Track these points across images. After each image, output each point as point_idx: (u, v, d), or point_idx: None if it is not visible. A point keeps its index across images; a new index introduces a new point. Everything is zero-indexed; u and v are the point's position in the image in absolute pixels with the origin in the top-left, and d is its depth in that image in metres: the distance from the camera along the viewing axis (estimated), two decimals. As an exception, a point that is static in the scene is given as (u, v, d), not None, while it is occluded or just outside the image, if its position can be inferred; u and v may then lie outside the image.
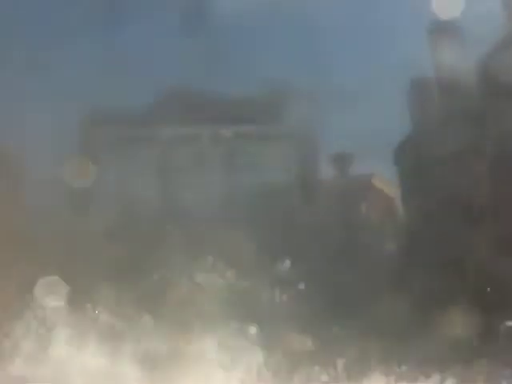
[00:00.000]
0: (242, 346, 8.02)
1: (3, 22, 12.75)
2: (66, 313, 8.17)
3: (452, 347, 8.49)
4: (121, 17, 13.99)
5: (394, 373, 7.91)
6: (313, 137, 12.98)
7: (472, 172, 11.37)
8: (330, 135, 13.62)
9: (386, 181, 20.25)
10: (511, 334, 9.53)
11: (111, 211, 12.16)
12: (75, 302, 8.53)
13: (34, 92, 12.56)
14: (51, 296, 8.37)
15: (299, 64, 13.26)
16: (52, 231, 10.91)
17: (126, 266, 10.67)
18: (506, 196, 11.07)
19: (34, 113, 12.05)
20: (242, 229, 11.44)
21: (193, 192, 12.83)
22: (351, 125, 12.85)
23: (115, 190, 12.72)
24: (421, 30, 12.98)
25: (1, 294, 8.99)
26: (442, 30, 12.53)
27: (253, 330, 8.92)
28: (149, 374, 7.12)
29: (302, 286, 11.10)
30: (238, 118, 12.67)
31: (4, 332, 8.01)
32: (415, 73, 13.28)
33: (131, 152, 13.16)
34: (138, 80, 13.12)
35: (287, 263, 11.43)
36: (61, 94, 12.67)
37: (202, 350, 7.71)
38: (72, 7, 13.91)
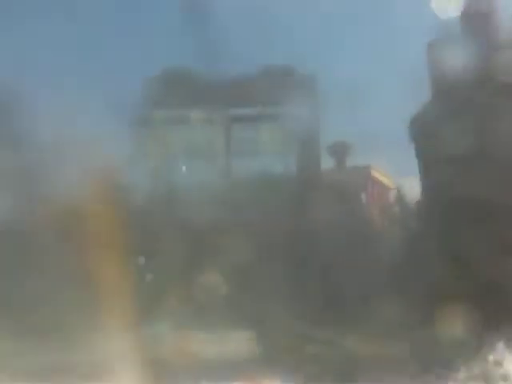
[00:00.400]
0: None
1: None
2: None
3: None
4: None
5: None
6: (312, 124, 12.26)
7: (484, 171, 10.80)
8: (329, 125, 12.86)
9: (385, 172, 20.00)
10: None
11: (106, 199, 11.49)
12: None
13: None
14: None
15: (301, 51, 12.58)
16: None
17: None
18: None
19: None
20: (239, 217, 11.03)
21: (187, 178, 12.26)
22: (351, 115, 12.45)
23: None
24: (426, 25, 12.42)
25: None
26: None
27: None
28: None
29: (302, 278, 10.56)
30: (236, 102, 12.03)
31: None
32: (422, 65, 12.78)
33: (125, 136, 12.51)
34: (134, 62, 12.52)
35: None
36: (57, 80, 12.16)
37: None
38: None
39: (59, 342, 7.80)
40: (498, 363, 7.49)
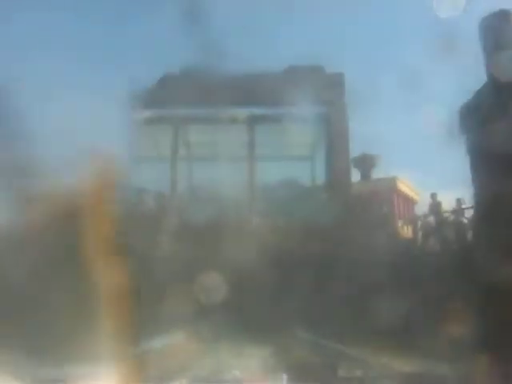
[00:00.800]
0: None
1: None
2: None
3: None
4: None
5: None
6: (339, 126, 11.20)
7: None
8: (353, 136, 11.84)
9: (410, 183, 19.06)
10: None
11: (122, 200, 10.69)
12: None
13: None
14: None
15: (323, 53, 11.69)
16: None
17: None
18: None
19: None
20: (261, 223, 10.13)
21: (206, 182, 11.33)
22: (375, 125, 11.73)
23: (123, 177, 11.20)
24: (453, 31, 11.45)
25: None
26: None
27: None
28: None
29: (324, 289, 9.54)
30: (259, 101, 11.05)
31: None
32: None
33: (142, 136, 11.63)
34: (149, 61, 11.83)
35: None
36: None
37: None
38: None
39: (55, 352, 6.98)
40: None
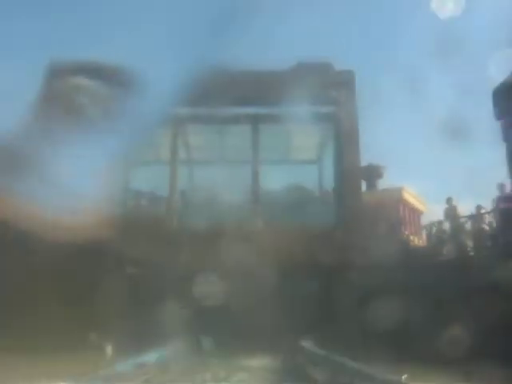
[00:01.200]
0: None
1: None
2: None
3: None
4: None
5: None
6: (348, 127, 10.33)
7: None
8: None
9: (417, 194, 18.33)
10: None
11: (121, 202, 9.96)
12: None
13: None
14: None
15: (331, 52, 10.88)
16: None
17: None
18: None
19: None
20: (266, 229, 9.33)
21: (209, 185, 10.49)
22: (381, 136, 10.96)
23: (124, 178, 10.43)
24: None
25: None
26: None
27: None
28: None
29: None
30: (261, 100, 10.21)
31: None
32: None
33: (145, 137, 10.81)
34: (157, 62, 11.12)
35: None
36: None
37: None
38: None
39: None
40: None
